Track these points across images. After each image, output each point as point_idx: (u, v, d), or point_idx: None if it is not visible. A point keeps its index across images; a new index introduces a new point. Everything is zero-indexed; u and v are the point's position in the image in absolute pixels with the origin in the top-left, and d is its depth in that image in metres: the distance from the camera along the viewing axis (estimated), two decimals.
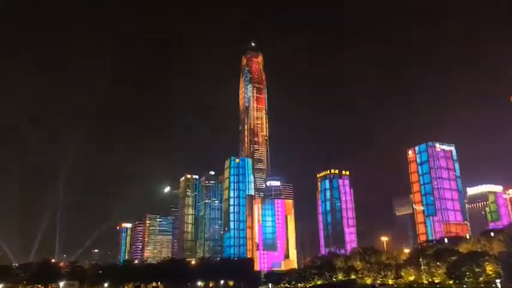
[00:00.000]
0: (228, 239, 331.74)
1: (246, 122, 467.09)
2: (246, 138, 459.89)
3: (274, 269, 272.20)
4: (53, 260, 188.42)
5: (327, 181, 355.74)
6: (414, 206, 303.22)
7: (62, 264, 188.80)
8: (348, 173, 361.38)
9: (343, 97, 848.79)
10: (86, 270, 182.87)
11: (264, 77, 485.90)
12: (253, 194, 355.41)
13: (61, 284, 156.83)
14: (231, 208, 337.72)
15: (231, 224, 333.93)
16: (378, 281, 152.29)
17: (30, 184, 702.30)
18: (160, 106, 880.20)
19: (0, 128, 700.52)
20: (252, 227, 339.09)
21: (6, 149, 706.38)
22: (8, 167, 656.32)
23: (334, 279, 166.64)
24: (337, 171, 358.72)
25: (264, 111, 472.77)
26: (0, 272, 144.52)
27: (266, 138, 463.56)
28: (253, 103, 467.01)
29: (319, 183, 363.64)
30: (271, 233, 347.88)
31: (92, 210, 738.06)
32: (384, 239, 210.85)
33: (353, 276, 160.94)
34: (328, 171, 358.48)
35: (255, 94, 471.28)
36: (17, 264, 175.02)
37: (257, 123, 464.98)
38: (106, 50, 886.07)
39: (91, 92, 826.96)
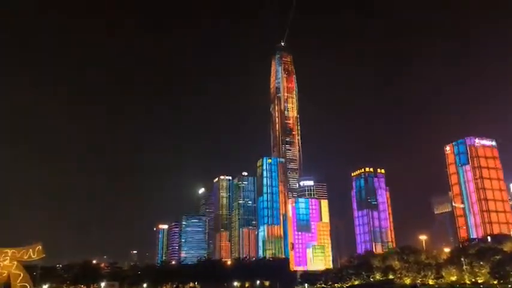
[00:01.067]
0: (263, 239, 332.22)
1: (276, 124, 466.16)
2: (278, 139, 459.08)
3: (308, 269, 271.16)
4: (93, 261, 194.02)
5: (362, 180, 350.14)
6: (454, 204, 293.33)
7: (102, 265, 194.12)
8: (383, 171, 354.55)
9: (376, 93, 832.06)
10: (125, 271, 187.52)
11: (294, 77, 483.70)
12: (286, 193, 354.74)
13: (102, 284, 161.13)
14: (265, 210, 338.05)
15: (265, 224, 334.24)
16: (418, 281, 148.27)
17: (72, 188, 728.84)
18: (195, 108, 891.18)
19: (39, 131, 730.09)
20: (286, 227, 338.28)
21: (50, 156, 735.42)
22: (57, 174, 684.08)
23: (371, 279, 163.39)
24: (371, 169, 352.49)
25: (296, 111, 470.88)
26: (46, 272, 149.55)
27: (298, 138, 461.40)
28: (283, 105, 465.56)
29: (353, 182, 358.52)
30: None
31: (130, 212, 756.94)
32: (423, 237, 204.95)
33: (391, 276, 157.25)
34: (363, 170, 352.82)
35: (285, 95, 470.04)
36: (60, 265, 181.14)
37: (288, 123, 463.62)
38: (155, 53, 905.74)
39: (132, 94, 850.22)
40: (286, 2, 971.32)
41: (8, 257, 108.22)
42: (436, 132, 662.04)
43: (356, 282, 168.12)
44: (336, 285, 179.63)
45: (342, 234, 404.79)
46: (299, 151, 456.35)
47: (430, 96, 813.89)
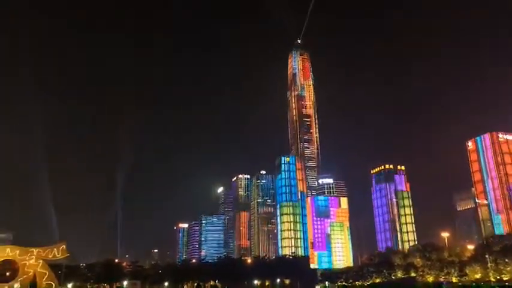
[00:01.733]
0: (282, 238, 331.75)
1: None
2: (296, 136, 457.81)
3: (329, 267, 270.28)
4: (116, 260, 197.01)
5: (382, 177, 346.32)
6: (477, 200, 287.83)
7: (124, 264, 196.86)
8: (403, 167, 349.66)
9: (396, 88, 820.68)
10: (146, 270, 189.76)
11: (310, 67, 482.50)
12: (305, 191, 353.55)
13: (124, 283, 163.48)
14: (284, 207, 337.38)
15: (285, 222, 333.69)
16: (441, 279, 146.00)
17: (92, 187, 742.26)
18: (213, 107, 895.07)
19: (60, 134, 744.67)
20: (306, 225, 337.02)
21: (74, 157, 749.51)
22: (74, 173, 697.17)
23: (393, 277, 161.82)
24: (391, 166, 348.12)
25: (312, 101, 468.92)
26: (70, 271, 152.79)
27: (316, 136, 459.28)
28: (301, 102, 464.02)
29: (373, 180, 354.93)
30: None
31: (150, 212, 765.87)
32: (445, 234, 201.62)
33: (413, 274, 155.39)
34: (383, 167, 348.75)
35: (302, 94, 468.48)
36: (84, 264, 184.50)
37: (306, 121, 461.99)
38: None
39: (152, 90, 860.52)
40: (302, 2, 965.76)
41: (34, 256, 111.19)
42: (458, 128, 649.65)
43: (377, 280, 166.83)
44: (357, 283, 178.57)
45: (362, 232, 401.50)
46: (317, 149, 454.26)
47: (450, 91, 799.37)
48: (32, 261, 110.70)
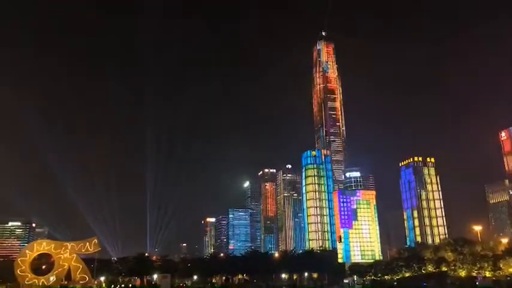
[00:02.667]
0: (309, 232, 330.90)
1: (320, 115, 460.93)
2: (321, 131, 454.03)
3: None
4: (146, 254, 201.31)
5: (410, 169, 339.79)
6: (511, 192, 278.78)
7: (154, 258, 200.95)
8: (433, 160, 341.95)
9: (424, 79, 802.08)
10: (176, 264, 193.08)
11: (336, 68, 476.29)
12: (332, 185, 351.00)
13: (155, 276, 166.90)
14: (311, 200, 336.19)
15: (312, 216, 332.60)
16: (473, 273, 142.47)
17: (122, 184, 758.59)
18: (239, 102, 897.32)
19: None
20: (333, 218, 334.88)
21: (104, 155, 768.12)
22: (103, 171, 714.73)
23: (423, 271, 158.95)
24: (420, 158, 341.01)
25: (339, 102, 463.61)
26: (102, 265, 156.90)
27: (343, 129, 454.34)
28: (326, 95, 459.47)
29: (401, 172, 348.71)
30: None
31: (178, 206, 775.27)
32: (477, 228, 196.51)
33: (444, 268, 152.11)
34: (411, 159, 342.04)
35: (327, 86, 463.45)
36: (115, 258, 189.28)
37: (332, 114, 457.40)
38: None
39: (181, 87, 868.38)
40: None
41: (68, 250, 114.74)
42: (490, 118, 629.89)
43: (407, 275, 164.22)
44: (386, 277, 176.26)
45: (390, 225, 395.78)
46: (344, 142, 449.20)
47: (481, 80, 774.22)
48: (66, 255, 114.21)
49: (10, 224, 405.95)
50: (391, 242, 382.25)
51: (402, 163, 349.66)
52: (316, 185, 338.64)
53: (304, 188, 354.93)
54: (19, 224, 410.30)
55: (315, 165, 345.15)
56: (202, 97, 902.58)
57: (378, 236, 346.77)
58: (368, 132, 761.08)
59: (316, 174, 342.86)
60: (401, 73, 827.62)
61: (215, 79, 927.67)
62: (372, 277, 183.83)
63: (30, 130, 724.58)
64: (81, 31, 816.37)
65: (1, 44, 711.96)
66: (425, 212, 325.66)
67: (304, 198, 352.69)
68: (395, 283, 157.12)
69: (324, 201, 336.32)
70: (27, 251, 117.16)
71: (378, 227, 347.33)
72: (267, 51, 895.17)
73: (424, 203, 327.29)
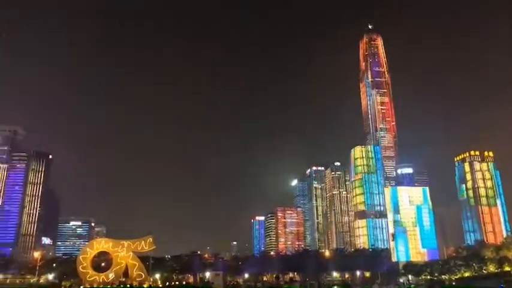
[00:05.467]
0: (360, 230, 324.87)
1: (369, 111, 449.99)
2: (371, 127, 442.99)
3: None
4: (198, 252, 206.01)
5: (467, 164, 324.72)
6: None
7: (206, 255, 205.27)
8: (491, 154, 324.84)
9: (480, 66, 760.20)
10: (227, 262, 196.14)
11: (385, 60, 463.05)
12: (383, 182, 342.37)
13: (207, 274, 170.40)
14: (361, 198, 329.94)
15: (362, 214, 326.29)
16: None
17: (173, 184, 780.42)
18: (286, 98, 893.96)
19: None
20: (386, 216, 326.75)
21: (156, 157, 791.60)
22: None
23: (484, 271, 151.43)
24: (478, 152, 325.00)
25: (389, 96, 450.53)
26: (157, 263, 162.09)
27: (393, 123, 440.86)
28: (375, 90, 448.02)
29: (457, 167, 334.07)
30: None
31: (228, 205, 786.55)
32: None
33: (507, 268, 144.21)
34: (467, 154, 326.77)
35: (376, 81, 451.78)
36: (169, 256, 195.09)
37: (382, 109, 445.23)
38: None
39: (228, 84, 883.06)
40: None
41: (125, 248, 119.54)
42: None
43: (466, 274, 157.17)
44: (443, 276, 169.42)
45: (446, 223, 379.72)
46: (394, 137, 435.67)
47: None
48: (123, 253, 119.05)
49: (71, 223, 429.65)
50: (448, 240, 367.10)
51: (458, 158, 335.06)
52: (367, 182, 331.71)
53: (354, 185, 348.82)
54: (79, 223, 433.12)
55: (365, 162, 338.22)
56: (247, 93, 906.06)
57: (434, 234, 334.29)
58: (420, 126, 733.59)
59: (366, 171, 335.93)
60: (453, 61, 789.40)
61: (260, 75, 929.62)
62: (428, 276, 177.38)
63: (89, 136, 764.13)
64: None
65: None
66: (484, 209, 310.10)
67: (354, 196, 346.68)
68: (453, 283, 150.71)
69: (375, 198, 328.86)
70: (87, 249, 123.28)
71: (432, 225, 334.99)
72: (314, 44, 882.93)
73: (483, 200, 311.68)
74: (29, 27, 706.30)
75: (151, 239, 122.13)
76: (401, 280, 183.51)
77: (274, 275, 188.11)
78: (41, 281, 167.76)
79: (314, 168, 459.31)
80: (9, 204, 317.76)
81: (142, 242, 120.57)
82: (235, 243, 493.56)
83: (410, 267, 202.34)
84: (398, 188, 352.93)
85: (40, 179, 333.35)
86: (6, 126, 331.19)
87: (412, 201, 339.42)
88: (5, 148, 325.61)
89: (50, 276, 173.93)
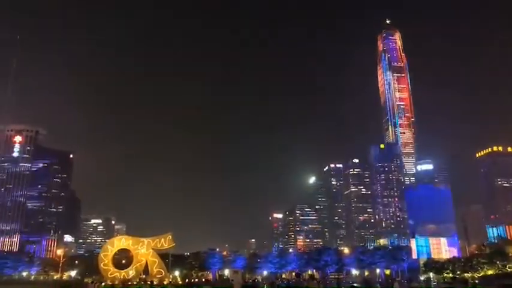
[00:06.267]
0: (380, 227, 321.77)
1: (388, 107, 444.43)
2: (389, 123, 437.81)
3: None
4: (217, 249, 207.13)
5: (489, 161, 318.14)
6: None
7: (225, 253, 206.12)
8: None
9: (502, 63, 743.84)
10: (246, 259, 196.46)
11: (403, 55, 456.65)
12: (403, 179, 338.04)
13: (226, 271, 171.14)
14: (380, 195, 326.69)
15: (381, 212, 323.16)
16: None
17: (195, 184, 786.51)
18: (305, 95, 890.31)
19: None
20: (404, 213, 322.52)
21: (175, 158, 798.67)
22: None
23: (508, 269, 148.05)
24: (500, 148, 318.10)
25: (408, 92, 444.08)
26: (176, 260, 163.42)
27: (412, 119, 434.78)
28: (394, 85, 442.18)
29: (479, 164, 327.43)
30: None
31: (247, 203, 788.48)
32: None
33: None
34: (490, 149, 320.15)
35: (395, 76, 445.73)
36: (188, 253, 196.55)
37: (400, 105, 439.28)
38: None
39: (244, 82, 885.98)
40: None
41: (145, 246, 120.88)
42: None
43: (489, 272, 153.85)
44: (466, 274, 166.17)
45: (468, 220, 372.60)
46: (414, 134, 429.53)
47: None
48: (143, 250, 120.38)
49: (92, 221, 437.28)
50: (470, 237, 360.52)
51: (479, 154, 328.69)
52: (386, 180, 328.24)
53: (372, 182, 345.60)
54: (100, 221, 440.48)
55: (384, 159, 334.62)
56: (265, 91, 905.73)
57: (455, 231, 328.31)
58: (440, 122, 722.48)
59: (385, 168, 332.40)
60: (473, 54, 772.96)
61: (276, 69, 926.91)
62: (450, 274, 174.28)
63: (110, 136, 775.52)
64: None
65: None
66: (508, 206, 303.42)
67: (373, 193, 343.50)
68: (476, 281, 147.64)
69: (394, 195, 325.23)
70: (108, 247, 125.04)
71: (454, 222, 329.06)
72: (333, 39, 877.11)
73: (508, 196, 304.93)
74: (48, 28, 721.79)
75: (170, 236, 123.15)
76: (422, 278, 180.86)
77: (293, 273, 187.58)
78: (64, 277, 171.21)
79: (332, 165, 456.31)
80: (32, 203, 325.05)
81: (162, 239, 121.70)
82: (253, 240, 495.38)
83: (432, 264, 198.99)
84: (418, 184, 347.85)
85: (62, 178, 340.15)
86: (28, 127, 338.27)
87: (432, 197, 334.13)
88: (28, 148, 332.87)
89: (73, 273, 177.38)
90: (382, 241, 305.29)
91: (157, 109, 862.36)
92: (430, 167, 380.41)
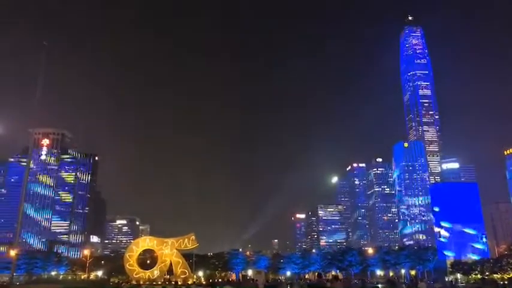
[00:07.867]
0: (404, 227, 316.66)
1: (411, 104, 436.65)
2: (413, 121, 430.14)
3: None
4: (240, 250, 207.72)
5: None
6: None
7: (248, 253, 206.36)
8: None
9: None
10: (269, 260, 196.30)
11: (426, 51, 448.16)
12: (428, 178, 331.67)
13: (249, 271, 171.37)
14: (405, 195, 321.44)
15: (406, 211, 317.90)
16: None
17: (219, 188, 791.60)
18: (326, 95, 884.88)
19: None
20: (430, 213, 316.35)
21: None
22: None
23: None
24: None
25: (431, 89, 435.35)
26: (200, 260, 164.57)
27: (437, 117, 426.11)
28: (417, 82, 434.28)
29: (507, 162, 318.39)
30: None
31: (269, 203, 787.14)
32: None
33: None
34: None
35: (418, 73, 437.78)
36: (211, 254, 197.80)
37: (424, 102, 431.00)
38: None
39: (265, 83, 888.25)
40: None
41: (169, 246, 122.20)
42: None
43: None
44: (495, 275, 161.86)
45: (496, 220, 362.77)
46: (439, 131, 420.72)
47: None
48: (167, 250, 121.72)
49: (117, 222, 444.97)
50: (498, 237, 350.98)
51: (508, 151, 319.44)
52: (410, 179, 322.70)
53: (396, 181, 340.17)
54: (125, 222, 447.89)
55: (408, 157, 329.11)
56: (285, 91, 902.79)
57: (483, 230, 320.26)
58: (466, 120, 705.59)
59: (409, 166, 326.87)
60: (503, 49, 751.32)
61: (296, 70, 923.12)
62: (478, 275, 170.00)
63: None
64: None
65: None
66: None
67: (397, 193, 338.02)
68: (506, 282, 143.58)
69: (419, 195, 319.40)
70: (133, 247, 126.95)
71: (482, 221, 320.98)
72: (355, 37, 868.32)
73: None
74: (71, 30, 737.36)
75: (193, 236, 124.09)
76: (448, 279, 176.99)
77: (317, 273, 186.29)
78: (91, 277, 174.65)
79: (355, 165, 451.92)
80: (59, 205, 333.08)
81: (186, 239, 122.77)
82: (276, 241, 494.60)
83: (459, 265, 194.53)
84: (444, 184, 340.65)
85: (88, 180, 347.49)
86: (55, 130, 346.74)
87: (458, 196, 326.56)
88: (54, 151, 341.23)
89: (99, 273, 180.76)
90: (407, 241, 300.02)
91: (184, 110, 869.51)
92: (455, 165, 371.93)
